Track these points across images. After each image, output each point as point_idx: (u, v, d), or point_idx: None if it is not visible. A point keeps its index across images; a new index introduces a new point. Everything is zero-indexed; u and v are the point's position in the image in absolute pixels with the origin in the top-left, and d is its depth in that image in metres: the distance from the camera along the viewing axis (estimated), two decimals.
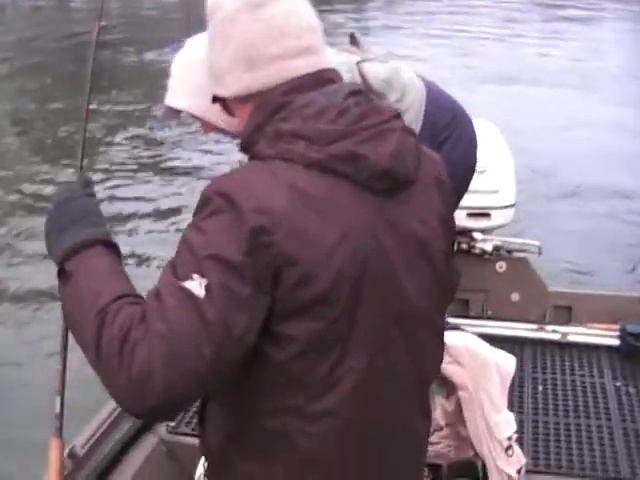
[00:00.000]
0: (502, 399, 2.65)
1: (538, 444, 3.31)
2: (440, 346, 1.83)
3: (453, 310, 3.85)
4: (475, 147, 3.18)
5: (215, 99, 1.76)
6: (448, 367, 2.61)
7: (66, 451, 2.82)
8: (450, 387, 2.66)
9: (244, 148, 1.68)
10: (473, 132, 3.19)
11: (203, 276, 1.46)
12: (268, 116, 1.61)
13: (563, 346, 4.05)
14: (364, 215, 1.58)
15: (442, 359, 1.88)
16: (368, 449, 1.68)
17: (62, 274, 1.62)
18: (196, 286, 1.45)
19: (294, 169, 1.54)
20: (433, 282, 1.71)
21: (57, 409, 1.82)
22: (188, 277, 1.47)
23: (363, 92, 1.68)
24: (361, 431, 1.65)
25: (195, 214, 1.55)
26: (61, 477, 1.83)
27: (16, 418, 5.00)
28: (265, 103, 1.63)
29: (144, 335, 1.44)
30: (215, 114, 2.10)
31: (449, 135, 3.03)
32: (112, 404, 3.12)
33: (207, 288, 1.45)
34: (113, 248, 1.67)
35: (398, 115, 1.70)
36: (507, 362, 2.69)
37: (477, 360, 2.62)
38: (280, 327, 1.52)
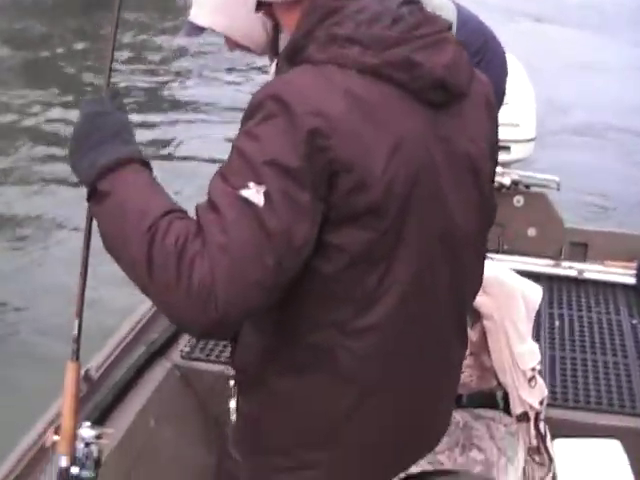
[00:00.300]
0: (527, 329, 2.60)
1: (555, 379, 3.28)
2: (481, 272, 1.81)
3: None
4: (506, 73, 3.11)
5: (260, 5, 1.68)
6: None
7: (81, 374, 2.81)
8: (475, 316, 2.62)
9: (290, 56, 1.59)
10: (504, 57, 3.11)
11: (260, 183, 1.39)
12: (318, 21, 1.53)
13: (579, 283, 4.01)
14: (417, 127, 1.52)
15: (480, 285, 1.85)
16: (406, 370, 1.65)
17: (94, 194, 1.54)
18: (254, 194, 1.39)
19: (348, 74, 1.47)
20: (478, 205, 1.67)
21: (75, 332, 1.77)
22: (244, 186, 1.40)
23: (416, 1, 1.61)
24: (402, 351, 1.62)
25: (245, 121, 1.48)
26: (77, 400, 1.78)
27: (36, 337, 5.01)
28: (316, 7, 1.55)
29: (202, 248, 1.39)
30: (238, 32, 2.02)
31: (481, 59, 2.95)
32: (126, 328, 3.10)
33: (266, 195, 1.39)
34: (147, 166, 1.60)
35: (450, 27, 1.64)
36: (534, 292, 2.64)
37: (504, 289, 2.57)
38: (330, 236, 1.47)
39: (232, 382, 1.90)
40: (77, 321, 1.77)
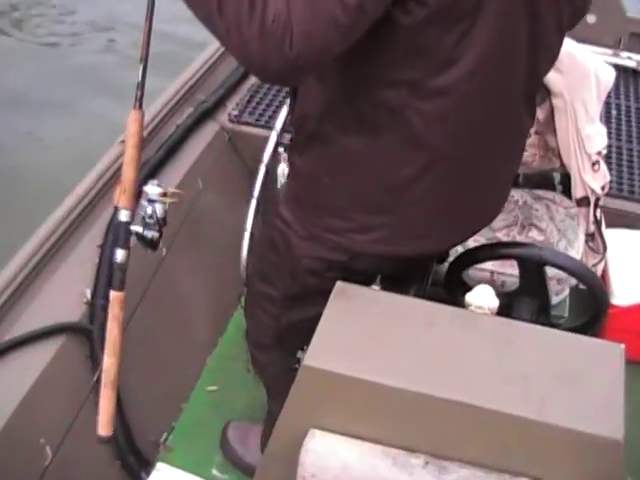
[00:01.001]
0: (597, 111, 2.49)
1: (610, 168, 3.18)
2: (559, 43, 1.69)
3: None
4: None
5: None
6: None
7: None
8: (544, 93, 2.49)
9: None
10: None
11: None
12: None
13: (637, 74, 3.84)
14: None
15: (556, 59, 1.74)
16: (475, 139, 1.59)
17: None
18: None
19: None
20: None
21: (139, 77, 1.65)
22: None
23: None
24: (472, 119, 1.55)
25: None
26: (139, 152, 1.69)
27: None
28: None
29: None
30: None
31: None
32: (175, 87, 3.01)
33: None
34: None
35: None
36: (607, 73, 2.51)
37: (577, 67, 2.43)
38: None
39: (281, 149, 1.81)
40: (142, 66, 1.65)
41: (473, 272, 2.29)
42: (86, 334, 2.32)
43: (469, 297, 1.63)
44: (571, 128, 2.46)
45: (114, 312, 1.70)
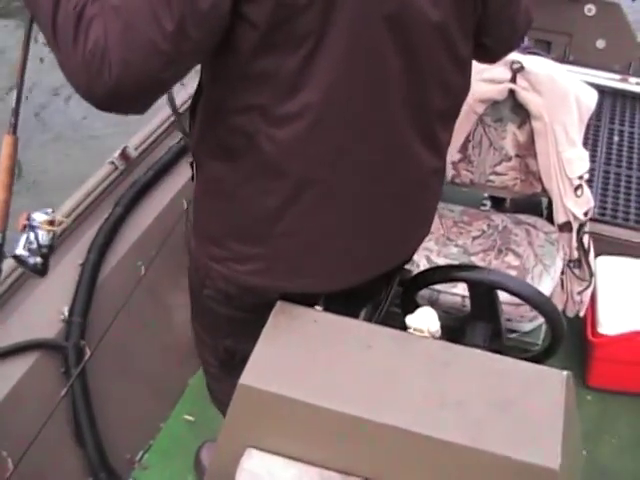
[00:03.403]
0: (578, 134, 2.46)
1: (607, 194, 3.17)
2: (459, 72, 1.60)
3: None
4: None
5: None
6: (524, 94, 2.41)
7: (118, 151, 2.78)
8: (524, 115, 2.47)
9: None
10: None
11: None
12: None
13: None
14: None
15: (465, 89, 1.66)
16: (347, 166, 1.52)
17: None
18: None
19: None
20: None
21: (14, 104, 1.65)
22: None
23: None
24: (335, 146, 1.49)
25: None
26: (11, 175, 1.67)
27: None
28: None
29: (100, 10, 1.27)
30: None
31: None
32: (166, 113, 3.03)
33: None
34: None
35: None
36: (588, 96, 2.47)
37: (556, 89, 2.40)
38: (245, 9, 1.32)
39: None
40: (16, 92, 1.64)
41: (444, 297, 2.27)
42: (61, 351, 2.34)
43: (409, 320, 1.60)
44: (551, 151, 2.43)
45: None
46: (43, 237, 1.68)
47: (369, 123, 1.49)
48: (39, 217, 1.69)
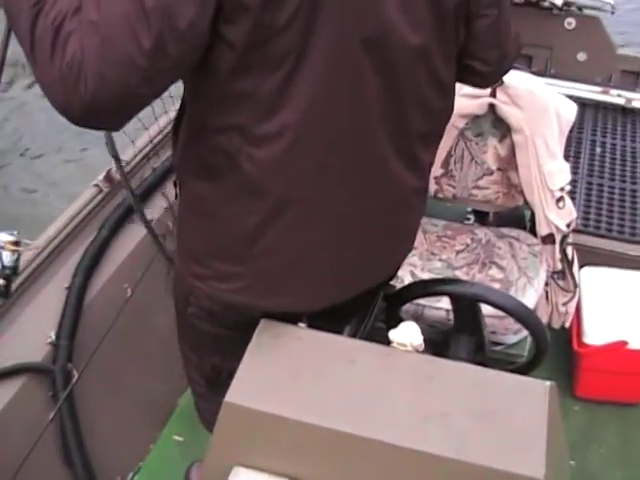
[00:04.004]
0: (559, 147, 2.48)
1: (590, 206, 3.19)
2: (440, 96, 1.60)
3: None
4: None
5: None
6: (504, 108, 2.43)
7: (102, 174, 2.78)
8: (505, 129, 2.49)
9: None
10: None
11: None
12: None
13: (627, 112, 3.83)
14: None
15: (447, 112, 1.67)
16: (324, 185, 1.53)
17: None
18: None
19: None
20: (432, 13, 1.46)
21: None
22: None
23: None
24: (313, 166, 1.50)
25: None
26: None
27: None
28: None
29: (78, 25, 1.27)
30: None
31: None
32: (150, 134, 3.03)
33: None
34: None
35: None
36: (568, 109, 2.49)
37: (536, 103, 2.43)
38: (223, 29, 1.33)
39: None
40: None
41: (429, 311, 2.28)
42: (48, 374, 2.34)
43: (392, 334, 1.61)
44: (532, 164, 2.45)
45: None
46: (7, 258, 1.67)
47: (349, 142, 1.50)
48: (3, 237, 1.68)
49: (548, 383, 1.53)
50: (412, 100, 1.53)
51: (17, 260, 1.69)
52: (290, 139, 1.44)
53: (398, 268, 1.86)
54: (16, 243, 1.69)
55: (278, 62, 1.36)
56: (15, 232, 1.71)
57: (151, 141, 3.01)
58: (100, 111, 1.32)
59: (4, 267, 1.67)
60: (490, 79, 1.83)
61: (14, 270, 1.69)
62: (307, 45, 1.35)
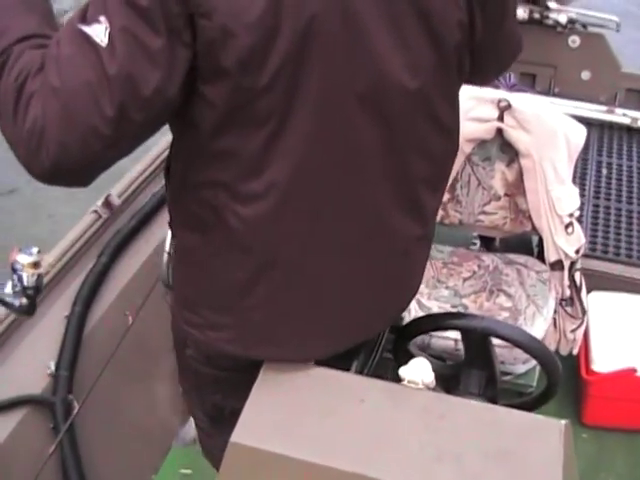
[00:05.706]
0: (568, 171, 2.44)
1: (597, 229, 3.14)
2: (443, 138, 1.53)
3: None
4: None
5: None
6: (512, 132, 2.40)
7: (101, 200, 2.75)
8: (512, 154, 2.45)
9: None
10: None
11: (109, 20, 1.21)
12: None
13: (632, 131, 3.79)
14: None
15: (451, 154, 1.61)
16: (314, 244, 1.48)
17: None
18: (100, 31, 1.21)
19: None
20: (428, 55, 1.38)
21: None
22: (95, 20, 1.22)
23: None
24: (302, 224, 1.44)
25: None
26: None
27: None
28: None
29: (40, 88, 1.23)
30: None
31: None
32: (149, 159, 3.00)
33: (110, 35, 1.20)
34: None
35: None
36: (577, 133, 2.45)
37: (545, 127, 2.39)
38: (203, 88, 1.29)
39: None
40: None
41: (437, 341, 2.24)
42: (48, 406, 2.30)
43: (402, 371, 1.56)
44: (540, 189, 2.41)
45: None
46: (28, 279, 1.66)
47: (343, 200, 1.44)
48: (22, 259, 1.66)
49: (563, 422, 1.49)
50: (413, 147, 1.47)
51: (39, 279, 1.67)
52: (277, 199, 1.39)
53: (403, 311, 1.81)
54: (35, 264, 1.67)
55: (262, 121, 1.32)
56: (35, 250, 1.68)
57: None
58: (63, 173, 1.28)
59: (25, 288, 1.66)
60: (483, 84, 1.82)
61: (37, 289, 1.68)
62: (292, 104, 1.30)
